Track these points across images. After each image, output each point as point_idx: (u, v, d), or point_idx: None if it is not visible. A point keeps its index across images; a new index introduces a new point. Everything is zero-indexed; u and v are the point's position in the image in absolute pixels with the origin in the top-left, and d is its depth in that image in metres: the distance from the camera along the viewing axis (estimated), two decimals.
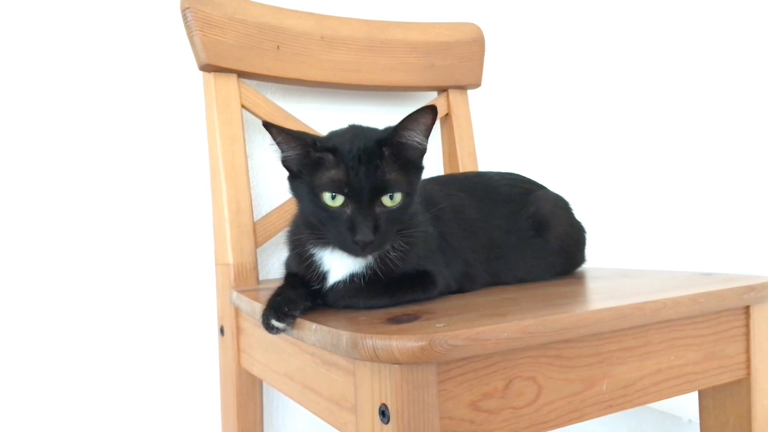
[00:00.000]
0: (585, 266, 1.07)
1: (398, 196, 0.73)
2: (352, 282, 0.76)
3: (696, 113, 1.67)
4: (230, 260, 1.04)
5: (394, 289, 0.76)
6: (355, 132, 0.77)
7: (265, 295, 0.93)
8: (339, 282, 0.77)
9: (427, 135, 0.75)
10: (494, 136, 1.46)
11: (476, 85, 1.33)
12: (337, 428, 0.71)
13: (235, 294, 0.99)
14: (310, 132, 0.97)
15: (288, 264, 0.86)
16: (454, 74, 1.31)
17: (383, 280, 0.76)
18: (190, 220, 1.17)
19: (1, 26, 1.04)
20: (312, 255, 0.80)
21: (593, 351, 0.71)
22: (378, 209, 0.73)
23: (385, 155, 0.73)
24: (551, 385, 0.69)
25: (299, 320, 0.72)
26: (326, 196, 0.73)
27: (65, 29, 1.08)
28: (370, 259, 0.76)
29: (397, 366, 0.59)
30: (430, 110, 0.72)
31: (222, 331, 1.07)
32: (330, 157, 0.74)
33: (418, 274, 0.78)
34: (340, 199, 0.72)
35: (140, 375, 1.12)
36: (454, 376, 0.62)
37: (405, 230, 0.75)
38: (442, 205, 0.88)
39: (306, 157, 0.75)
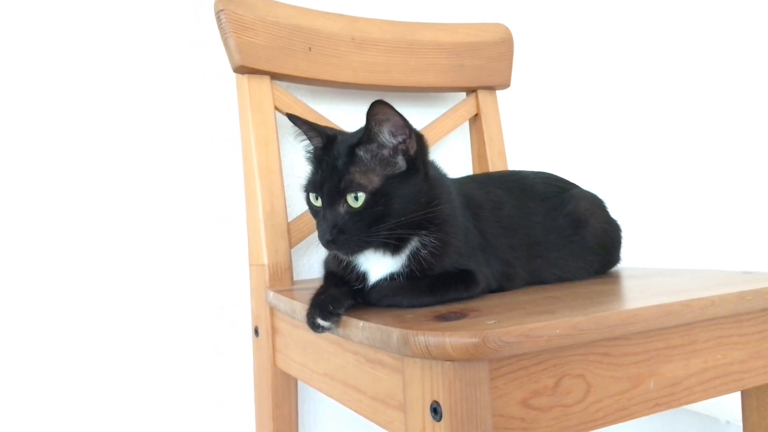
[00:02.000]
0: (619, 266, 1.07)
1: (362, 196, 0.72)
2: (393, 281, 0.76)
3: (719, 113, 1.66)
4: (265, 261, 1.04)
5: (436, 287, 0.76)
6: (348, 135, 0.79)
7: (302, 295, 0.94)
8: (381, 281, 0.77)
9: (394, 130, 0.74)
10: (523, 136, 1.46)
11: (505, 85, 1.33)
12: (383, 426, 0.71)
13: (271, 294, 0.99)
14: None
15: (327, 263, 0.87)
16: (482, 75, 1.31)
17: (425, 279, 0.76)
18: (220, 221, 1.18)
19: (31, 30, 1.05)
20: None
21: (640, 349, 0.71)
22: (343, 209, 0.73)
23: (358, 156, 0.75)
24: (599, 383, 0.68)
25: (344, 318, 0.72)
26: (310, 196, 0.78)
27: (96, 32, 1.09)
28: (404, 258, 0.77)
29: (449, 363, 0.59)
30: (376, 103, 0.71)
31: (257, 331, 1.07)
32: (314, 159, 0.80)
33: (460, 272, 0.78)
34: (320, 200, 0.76)
35: (172, 377, 1.13)
36: (504, 373, 0.62)
37: (399, 228, 0.73)
38: (481, 202, 0.88)
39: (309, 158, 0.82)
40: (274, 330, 1.03)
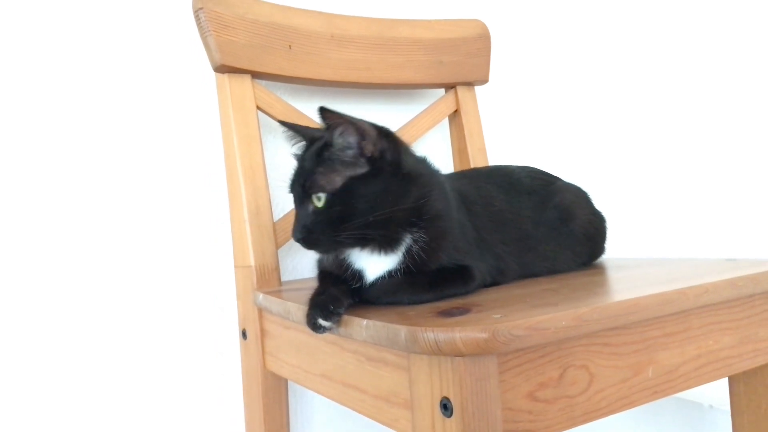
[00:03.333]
0: (602, 257, 1.08)
1: (323, 197, 0.74)
2: (391, 278, 0.76)
3: (691, 111, 1.70)
4: (252, 262, 1.03)
5: (435, 283, 0.76)
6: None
7: (294, 296, 0.93)
8: (378, 279, 0.77)
9: (346, 133, 0.74)
10: (503, 131, 1.47)
11: (483, 81, 1.34)
12: (387, 425, 0.71)
13: (261, 296, 0.97)
14: None
15: (321, 262, 0.86)
16: (461, 71, 1.31)
17: (424, 275, 0.76)
18: (219, 221, 1.16)
19: (15, 30, 1.01)
20: (342, 255, 0.80)
21: (639, 338, 0.72)
22: (311, 209, 0.75)
23: (323, 158, 0.76)
24: (602, 373, 0.69)
25: (345, 318, 0.72)
26: (293, 197, 0.80)
27: (75, 32, 1.06)
28: (399, 255, 0.77)
29: (459, 358, 0.59)
30: (319, 110, 0.73)
31: (244, 334, 1.06)
32: (297, 160, 0.83)
33: (457, 268, 0.78)
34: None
35: (155, 384, 1.11)
36: (512, 367, 0.62)
37: (369, 227, 0.73)
38: (473, 198, 0.88)
39: None
40: (263, 332, 1.02)
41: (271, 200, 1.08)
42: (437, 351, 0.59)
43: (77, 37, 1.07)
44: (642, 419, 1.30)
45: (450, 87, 1.33)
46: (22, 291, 1.01)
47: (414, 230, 0.76)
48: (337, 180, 0.75)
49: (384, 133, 0.77)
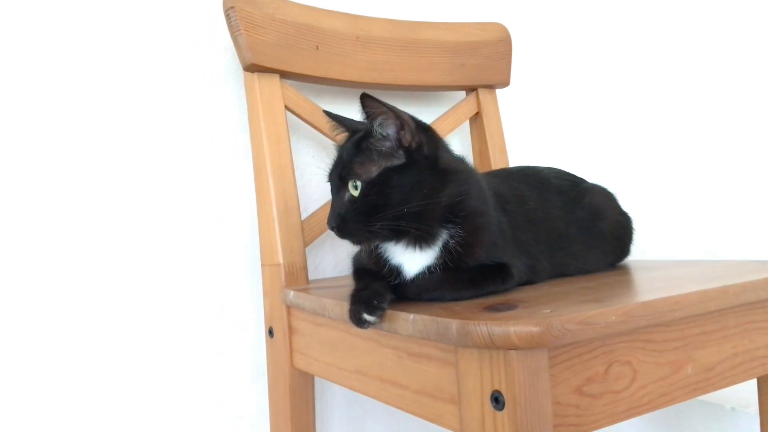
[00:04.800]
0: (627, 258, 1.09)
1: (359, 185, 0.75)
2: (432, 274, 0.76)
3: (704, 112, 1.71)
4: (280, 260, 1.03)
5: (476, 280, 0.77)
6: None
7: (326, 293, 0.93)
8: (419, 274, 0.77)
9: (385, 123, 0.75)
10: (523, 133, 1.48)
11: (505, 83, 1.35)
12: (431, 420, 0.71)
13: (292, 293, 0.98)
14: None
15: (357, 260, 0.86)
16: (483, 73, 1.32)
17: (465, 272, 0.76)
18: (199, 223, 1.15)
19: (32, 28, 1.02)
20: (378, 249, 0.80)
21: (679, 335, 0.73)
22: (347, 198, 0.76)
23: (361, 148, 0.77)
24: (644, 369, 0.69)
25: (389, 312, 0.72)
26: (330, 186, 0.81)
27: (94, 29, 1.07)
28: (437, 250, 0.77)
29: (513, 352, 0.59)
30: (361, 97, 0.74)
31: (271, 332, 1.06)
32: (337, 151, 0.83)
33: (496, 265, 0.79)
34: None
35: (152, 385, 1.09)
36: (561, 361, 0.63)
37: (402, 219, 0.73)
38: (507, 197, 0.88)
39: None
40: (291, 330, 1.02)
41: (299, 199, 1.08)
42: (490, 344, 0.59)
43: (96, 33, 1.07)
44: (663, 421, 1.31)
45: (471, 89, 1.34)
46: (20, 285, 1.00)
47: (450, 226, 0.76)
48: (373, 170, 0.75)
49: (423, 127, 0.78)
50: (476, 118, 1.34)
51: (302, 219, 1.09)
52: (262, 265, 1.08)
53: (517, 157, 1.37)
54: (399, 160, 0.76)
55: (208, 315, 1.14)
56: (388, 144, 0.76)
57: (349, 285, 1.00)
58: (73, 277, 1.03)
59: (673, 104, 1.73)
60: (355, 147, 0.78)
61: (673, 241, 1.64)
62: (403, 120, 0.75)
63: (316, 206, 1.15)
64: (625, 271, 0.97)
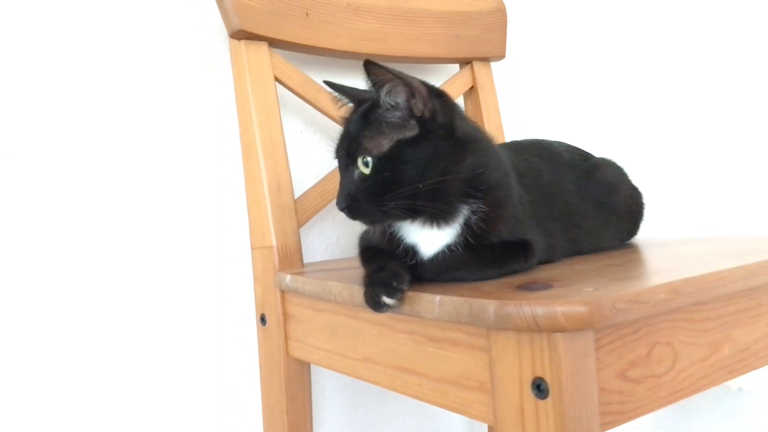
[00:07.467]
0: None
1: (370, 161, 0.68)
2: (452, 252, 0.70)
3: (703, 93, 1.69)
4: (273, 242, 0.96)
5: (499, 258, 0.71)
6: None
7: (326, 275, 0.87)
8: (438, 254, 0.71)
9: (393, 91, 0.68)
10: (518, 109, 1.42)
11: (500, 56, 1.29)
12: (455, 410, 0.65)
13: (288, 277, 0.91)
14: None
15: (365, 239, 0.80)
16: (478, 45, 1.26)
17: (488, 250, 0.71)
18: (205, 202, 1.08)
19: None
20: (391, 228, 0.74)
21: (716, 314, 0.68)
22: (357, 175, 0.69)
23: (369, 120, 0.70)
24: (684, 351, 0.65)
25: (410, 294, 0.66)
26: (338, 163, 0.74)
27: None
28: (456, 227, 0.71)
29: (558, 334, 0.54)
30: (365, 63, 0.67)
31: (263, 319, 0.99)
32: (343, 124, 0.76)
33: (519, 242, 0.73)
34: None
35: (164, 376, 1.03)
36: (605, 344, 0.57)
37: (419, 198, 0.67)
38: (522, 170, 0.83)
39: None
40: (286, 316, 0.95)
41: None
42: (533, 327, 0.54)
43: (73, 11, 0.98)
44: None
45: (466, 63, 1.28)
46: (14, 278, 0.92)
47: (471, 201, 0.70)
48: (385, 143, 0.69)
49: (435, 93, 0.71)
50: (471, 93, 1.28)
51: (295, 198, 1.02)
52: (252, 248, 1.00)
53: (513, 133, 1.32)
54: (411, 131, 0.69)
55: (190, 303, 1.06)
56: (398, 114, 0.69)
57: (350, 267, 0.95)
58: (44, 266, 0.94)
59: (664, 80, 1.71)
60: (362, 119, 0.71)
61: (664, 219, 1.61)
62: (412, 87, 0.68)
63: (307, 186, 1.07)
64: (640, 248, 0.93)
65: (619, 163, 1.02)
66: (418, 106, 0.69)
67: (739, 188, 1.70)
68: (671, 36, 1.72)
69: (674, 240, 0.99)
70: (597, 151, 1.02)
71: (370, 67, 0.66)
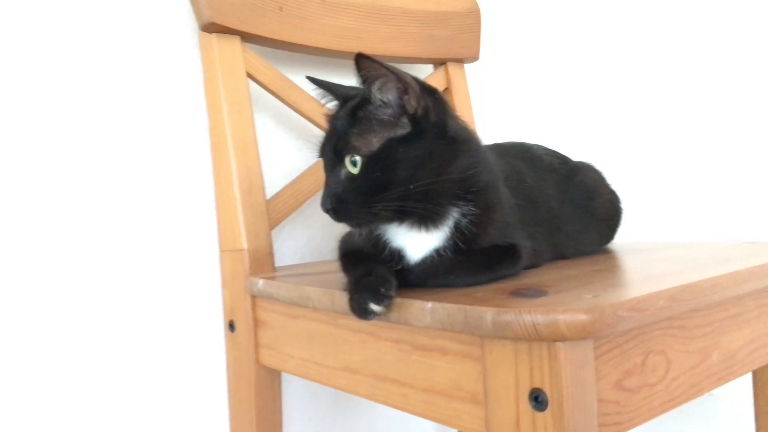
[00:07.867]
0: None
1: (358, 160, 0.65)
2: (440, 257, 0.68)
3: (674, 92, 1.70)
4: (244, 245, 0.92)
5: (491, 263, 0.69)
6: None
7: (300, 280, 0.83)
8: (425, 258, 0.68)
9: (384, 87, 0.65)
10: (491, 111, 1.41)
11: (474, 58, 1.27)
12: (443, 422, 0.63)
13: (261, 282, 0.87)
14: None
15: (346, 242, 0.76)
16: (452, 46, 1.24)
17: (479, 254, 0.68)
18: (169, 203, 1.02)
19: None
20: (377, 230, 0.71)
21: (707, 321, 0.67)
22: (344, 175, 0.66)
23: (358, 118, 0.67)
24: (676, 359, 0.63)
25: (398, 301, 0.63)
26: (323, 162, 0.70)
27: None
28: (445, 231, 0.68)
29: (559, 344, 0.51)
30: (357, 57, 0.64)
31: (231, 326, 0.95)
32: (328, 122, 0.73)
33: (507, 246, 0.71)
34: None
35: (119, 384, 0.97)
36: (603, 353, 0.56)
37: (410, 199, 0.64)
38: (507, 173, 0.80)
39: None
40: (256, 323, 0.91)
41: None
42: (533, 336, 0.51)
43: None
44: None
45: (440, 63, 1.26)
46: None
47: (461, 203, 0.67)
48: (375, 141, 0.65)
49: (428, 90, 0.69)
50: (445, 94, 1.25)
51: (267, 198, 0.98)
52: (221, 251, 0.96)
53: (486, 136, 1.30)
54: (403, 129, 0.66)
55: (153, 308, 1.00)
56: (389, 111, 0.66)
57: (325, 272, 0.92)
58: (48, 275, 0.88)
59: (637, 84, 1.72)
60: (350, 116, 0.68)
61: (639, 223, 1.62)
62: (406, 83, 0.66)
63: (279, 187, 1.03)
64: (620, 253, 0.92)
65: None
66: (411, 104, 0.66)
67: (705, 193, 1.72)
68: (644, 40, 1.73)
69: (652, 245, 0.99)
70: (570, 154, 1.01)
71: (362, 60, 0.63)
